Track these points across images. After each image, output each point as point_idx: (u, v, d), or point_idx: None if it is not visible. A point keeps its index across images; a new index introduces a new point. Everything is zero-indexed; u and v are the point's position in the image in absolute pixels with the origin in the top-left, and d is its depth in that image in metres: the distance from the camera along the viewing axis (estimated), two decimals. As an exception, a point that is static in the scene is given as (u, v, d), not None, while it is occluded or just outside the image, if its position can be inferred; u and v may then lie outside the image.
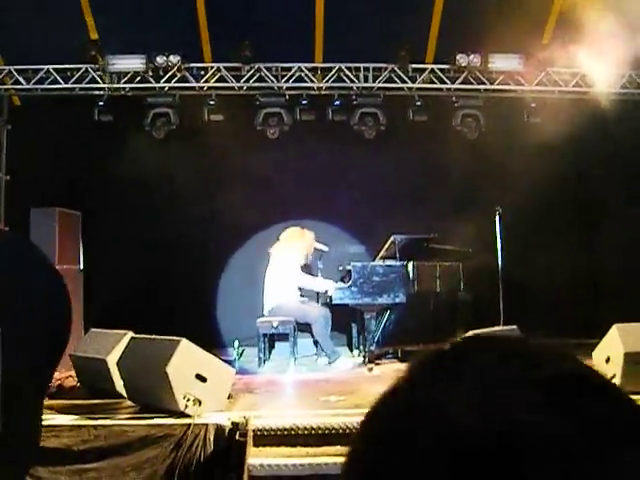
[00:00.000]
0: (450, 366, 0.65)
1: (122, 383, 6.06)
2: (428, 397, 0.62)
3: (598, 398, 0.60)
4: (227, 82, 10.65)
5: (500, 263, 8.90)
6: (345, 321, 9.54)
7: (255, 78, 10.64)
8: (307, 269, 9.35)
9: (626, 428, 0.58)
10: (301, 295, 8.92)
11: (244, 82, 10.64)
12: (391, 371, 8.15)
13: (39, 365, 0.89)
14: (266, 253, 9.07)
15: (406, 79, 10.72)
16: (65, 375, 7.65)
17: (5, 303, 0.83)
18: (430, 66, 10.77)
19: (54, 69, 10.30)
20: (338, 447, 5.09)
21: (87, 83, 10.46)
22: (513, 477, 0.54)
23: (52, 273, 0.95)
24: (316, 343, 8.84)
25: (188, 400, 5.37)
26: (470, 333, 6.36)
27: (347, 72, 10.73)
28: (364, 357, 8.54)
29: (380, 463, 0.60)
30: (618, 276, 10.66)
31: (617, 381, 5.78)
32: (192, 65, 10.55)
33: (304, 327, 8.76)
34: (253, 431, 5.16)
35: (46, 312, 0.91)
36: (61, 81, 10.37)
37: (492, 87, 10.75)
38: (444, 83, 10.80)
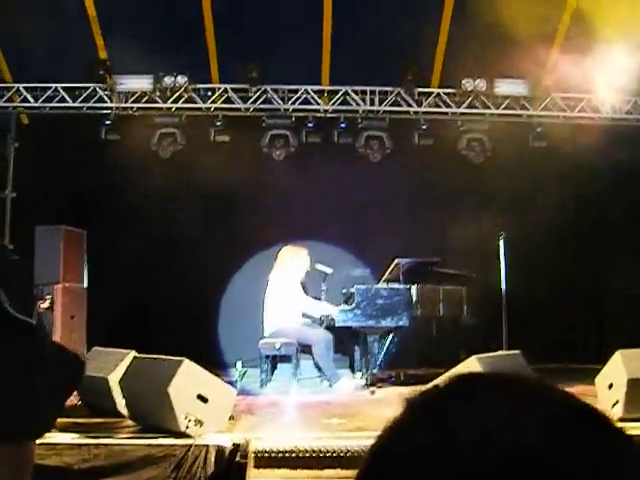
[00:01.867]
0: (448, 404, 0.66)
1: (124, 402, 6.04)
2: (436, 429, 0.63)
3: (598, 429, 0.62)
4: (234, 103, 10.72)
5: (504, 287, 8.88)
6: (348, 344, 9.51)
7: (262, 100, 10.70)
8: (305, 289, 9.34)
9: (622, 456, 0.60)
10: (303, 315, 8.90)
11: (251, 103, 10.70)
12: (393, 394, 8.11)
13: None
14: (268, 274, 9.06)
15: (412, 103, 10.77)
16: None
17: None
18: (436, 90, 10.83)
19: (62, 88, 10.38)
20: (339, 470, 5.06)
21: (95, 102, 10.54)
22: None
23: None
24: (318, 366, 8.81)
25: (189, 420, 5.35)
26: (473, 357, 6.35)
27: (353, 95, 10.79)
28: (366, 380, 8.50)
29: None
30: (622, 302, 10.64)
31: (620, 407, 5.75)
32: (199, 86, 10.63)
33: (306, 349, 8.74)
34: (254, 453, 5.13)
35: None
36: (69, 100, 10.44)
37: (497, 111, 10.79)
38: (450, 107, 10.85)
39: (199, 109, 10.75)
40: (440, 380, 0.70)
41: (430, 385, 0.70)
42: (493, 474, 0.57)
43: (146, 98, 10.53)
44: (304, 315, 8.89)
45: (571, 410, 0.64)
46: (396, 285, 8.63)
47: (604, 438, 0.62)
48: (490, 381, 0.69)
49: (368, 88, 10.77)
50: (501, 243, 8.96)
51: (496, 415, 0.61)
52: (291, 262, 8.89)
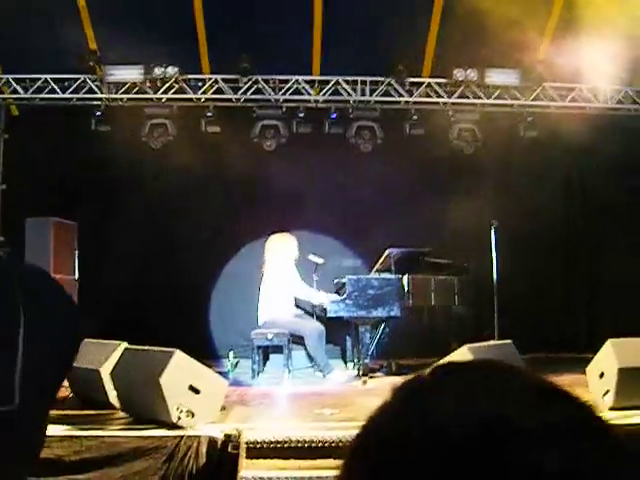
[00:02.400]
0: (429, 387, 0.69)
1: (115, 394, 6.04)
2: (415, 410, 0.65)
3: (568, 402, 0.65)
4: (224, 94, 10.68)
5: (495, 277, 8.90)
6: (340, 334, 9.53)
7: (252, 90, 10.67)
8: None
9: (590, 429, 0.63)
10: (296, 306, 8.91)
11: (241, 94, 10.67)
12: (385, 384, 8.11)
13: (52, 362, 1.00)
14: (260, 265, 9.05)
15: (403, 93, 10.76)
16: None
17: (27, 305, 0.94)
18: (427, 80, 10.81)
19: (52, 79, 10.32)
20: (332, 460, 5.07)
21: (85, 93, 10.48)
22: (498, 460, 0.58)
23: (61, 291, 1.07)
24: (310, 356, 8.83)
25: (181, 412, 5.35)
26: (465, 347, 6.37)
27: (344, 85, 10.76)
28: (358, 370, 8.52)
29: (375, 470, 0.63)
30: (614, 291, 10.68)
31: (611, 396, 5.78)
32: (190, 76, 10.58)
33: (298, 340, 8.75)
34: (246, 443, 5.13)
35: (59, 319, 1.02)
36: (59, 91, 10.39)
37: (489, 101, 10.78)
38: (441, 97, 10.83)
39: (190, 100, 10.72)
40: (424, 371, 0.71)
41: (414, 374, 0.72)
42: (467, 448, 0.58)
43: (136, 89, 10.48)
44: (297, 305, 8.90)
45: (542, 388, 0.66)
46: (387, 275, 8.64)
47: (572, 409, 0.64)
48: (468, 366, 0.71)
49: (359, 78, 10.75)
50: (492, 232, 8.97)
51: (471, 393, 0.64)
52: (281, 251, 8.89)
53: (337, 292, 8.91)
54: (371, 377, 8.31)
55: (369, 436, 0.68)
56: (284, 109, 10.82)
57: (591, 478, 0.58)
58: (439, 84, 10.79)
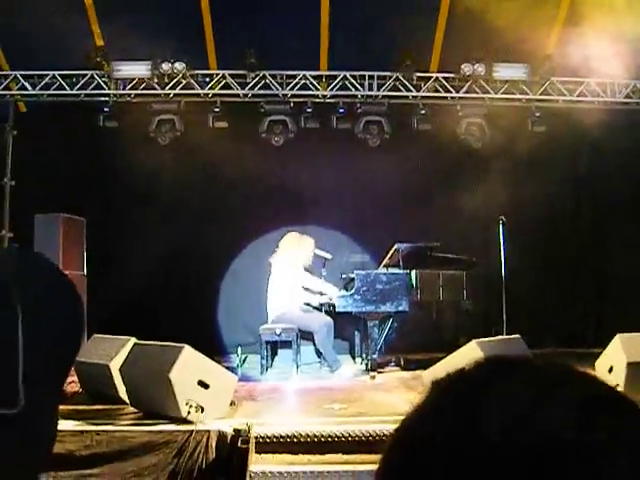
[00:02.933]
0: (477, 388, 0.66)
1: (125, 389, 6.05)
2: (459, 415, 0.63)
3: (623, 416, 0.62)
4: (232, 89, 10.68)
5: (503, 272, 8.89)
6: (348, 329, 9.54)
7: (260, 85, 10.67)
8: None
9: None
10: (305, 304, 8.91)
11: (249, 89, 10.66)
12: (394, 379, 8.14)
13: (54, 358, 0.98)
14: (267, 260, 9.06)
15: (411, 87, 10.74)
16: (68, 380, 7.63)
17: (25, 301, 0.92)
18: (435, 75, 10.79)
19: (60, 75, 10.34)
20: (340, 455, 5.09)
21: (92, 89, 10.50)
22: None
23: (67, 282, 1.05)
24: (318, 352, 8.84)
25: (190, 407, 5.37)
26: (473, 342, 6.36)
27: (352, 80, 10.75)
28: (367, 365, 8.53)
29: (417, 472, 0.62)
30: (622, 286, 10.65)
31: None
32: (197, 72, 10.58)
33: (307, 335, 8.76)
34: (255, 438, 5.14)
35: (60, 312, 1.00)
36: (67, 87, 10.41)
37: (496, 96, 10.75)
38: (449, 92, 10.81)
39: (197, 95, 10.72)
40: (467, 364, 0.69)
41: (456, 369, 0.70)
42: (520, 460, 0.57)
43: (144, 85, 10.50)
44: (305, 301, 8.90)
45: (601, 397, 0.64)
46: (396, 270, 8.64)
47: (633, 424, 0.62)
48: (517, 366, 0.68)
49: (367, 73, 10.73)
50: (500, 228, 8.96)
51: (525, 400, 0.61)
52: (297, 250, 8.90)
53: (345, 287, 8.92)
54: (379, 372, 8.32)
55: (408, 438, 0.67)
56: (292, 104, 10.81)
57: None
58: (447, 79, 10.77)
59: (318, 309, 9.07)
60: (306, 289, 8.88)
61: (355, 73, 10.73)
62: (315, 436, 5.20)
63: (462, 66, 10.33)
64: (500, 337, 7.59)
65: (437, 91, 10.86)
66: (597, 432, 0.59)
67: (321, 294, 8.90)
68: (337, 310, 8.41)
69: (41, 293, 0.97)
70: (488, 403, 0.62)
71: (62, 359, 1.00)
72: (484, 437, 0.59)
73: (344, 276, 9.20)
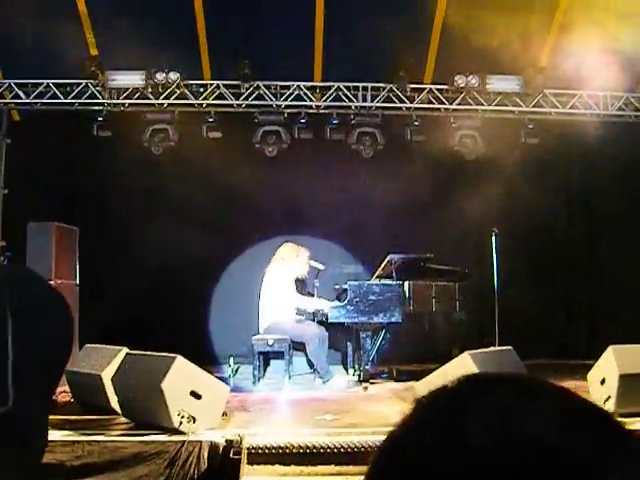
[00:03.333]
0: (460, 401, 0.66)
1: (116, 399, 6.04)
2: (447, 426, 0.63)
3: (602, 426, 0.64)
4: (226, 99, 10.70)
5: (496, 283, 8.91)
6: (341, 340, 9.53)
7: (254, 96, 10.68)
8: (302, 285, 9.35)
9: (626, 449, 0.62)
10: (297, 313, 8.90)
11: (243, 100, 10.68)
12: (386, 390, 8.14)
13: (44, 363, 0.98)
14: (261, 270, 9.06)
15: (404, 99, 10.77)
16: (59, 390, 7.62)
17: (15, 307, 0.92)
18: (428, 86, 10.82)
19: (54, 84, 10.34)
20: (333, 466, 5.08)
21: (86, 98, 10.49)
22: None
23: (51, 291, 1.05)
24: (310, 362, 8.83)
25: (182, 417, 5.36)
26: (466, 353, 6.37)
27: (345, 91, 10.78)
28: (359, 376, 8.52)
29: None
30: (615, 297, 10.67)
31: (612, 403, 5.78)
32: (191, 82, 10.59)
33: (299, 346, 8.75)
34: (247, 449, 5.13)
35: (51, 318, 1.00)
36: (60, 96, 10.40)
37: (490, 108, 10.79)
38: (442, 103, 10.84)
39: (191, 105, 10.72)
40: (449, 381, 0.69)
41: (439, 385, 0.70)
42: (505, 468, 0.57)
43: (138, 94, 10.50)
44: (297, 311, 8.89)
45: (580, 406, 0.65)
46: (388, 281, 8.64)
47: (612, 433, 0.63)
48: (498, 380, 0.69)
49: (360, 84, 10.76)
50: (493, 239, 8.98)
51: (506, 411, 0.62)
52: (292, 260, 8.91)
53: (338, 298, 8.91)
54: (372, 383, 8.32)
55: (392, 453, 0.67)
56: (285, 115, 10.83)
57: None
58: (440, 90, 10.80)
59: (311, 319, 9.06)
60: (301, 310, 8.89)
61: (349, 84, 10.76)
62: (307, 447, 5.20)
63: (455, 78, 10.36)
64: (493, 348, 7.59)
65: (431, 102, 10.89)
66: (580, 437, 0.60)
67: (314, 313, 8.91)
68: (330, 321, 8.41)
69: (31, 298, 0.97)
70: (471, 415, 0.63)
71: (52, 364, 1.00)
72: (468, 447, 0.60)
73: (337, 287, 9.20)
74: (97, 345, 7.19)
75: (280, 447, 5.20)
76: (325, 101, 10.80)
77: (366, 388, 8.08)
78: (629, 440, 0.63)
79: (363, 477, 0.67)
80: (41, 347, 0.96)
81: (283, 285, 8.73)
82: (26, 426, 0.94)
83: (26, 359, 0.91)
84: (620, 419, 0.66)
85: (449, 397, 0.68)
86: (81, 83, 10.40)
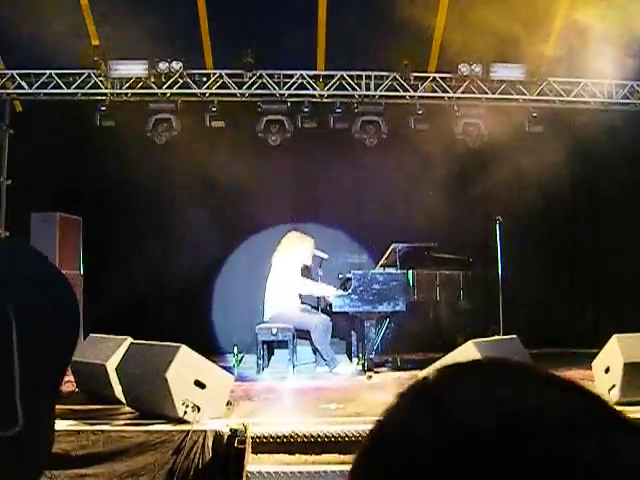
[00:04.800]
0: (447, 380, 0.68)
1: (121, 389, 6.04)
2: (428, 409, 0.64)
3: (584, 393, 0.65)
4: (229, 89, 10.68)
5: (500, 272, 8.90)
6: (345, 329, 9.53)
7: (257, 85, 10.66)
8: (307, 272, 9.34)
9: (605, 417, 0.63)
10: (302, 302, 8.90)
11: (246, 89, 10.66)
12: (390, 379, 8.14)
13: (51, 362, 0.93)
14: (266, 259, 9.05)
15: (408, 87, 10.74)
16: (64, 380, 7.63)
17: (18, 305, 0.86)
18: (432, 75, 10.80)
19: (56, 74, 10.33)
20: (337, 455, 5.08)
21: (89, 88, 10.48)
22: (530, 454, 0.57)
23: (59, 278, 0.99)
24: (315, 351, 8.83)
25: (187, 406, 5.36)
26: (470, 342, 6.36)
27: (349, 80, 10.75)
28: (363, 365, 8.53)
29: (391, 471, 0.62)
30: (620, 286, 10.66)
31: (617, 391, 5.78)
32: (194, 71, 10.57)
33: (303, 334, 8.75)
34: (252, 438, 5.14)
35: (56, 315, 0.94)
36: (63, 86, 10.39)
37: (494, 96, 10.76)
38: (446, 92, 10.82)
39: (194, 95, 10.71)
40: (429, 370, 0.71)
41: (421, 374, 0.71)
42: (496, 442, 0.58)
43: (141, 84, 10.49)
44: (302, 300, 8.89)
45: (560, 384, 0.66)
46: (392, 270, 8.63)
47: (592, 406, 0.64)
48: (478, 364, 0.70)
49: (364, 73, 10.74)
50: (497, 228, 8.96)
51: (490, 388, 0.63)
52: (297, 249, 8.90)
53: (342, 287, 8.91)
54: (376, 372, 8.31)
55: (382, 436, 0.68)
56: (289, 104, 10.80)
57: (623, 467, 0.58)
58: (444, 79, 10.78)
59: (316, 308, 9.06)
60: (306, 294, 8.89)
61: (352, 73, 10.73)
62: (312, 436, 5.20)
63: (459, 66, 10.34)
64: (497, 337, 7.59)
65: (434, 91, 10.86)
66: (556, 413, 0.61)
67: (318, 300, 8.91)
68: (334, 310, 8.41)
69: (35, 290, 0.92)
70: (450, 397, 0.64)
71: (59, 359, 0.96)
72: (447, 427, 0.61)
73: (341, 276, 9.19)
74: (101, 335, 7.20)
75: (284, 436, 5.21)
76: (329, 90, 10.77)
77: (370, 377, 8.08)
78: (607, 409, 0.64)
79: (351, 467, 0.68)
80: (49, 343, 0.91)
81: (288, 274, 8.72)
82: (35, 441, 0.90)
83: (33, 361, 0.86)
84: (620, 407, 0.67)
85: (431, 382, 0.68)
86: (84, 73, 10.39)
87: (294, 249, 8.91)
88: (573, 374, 6.80)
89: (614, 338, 6.25)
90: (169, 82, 10.45)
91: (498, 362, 0.70)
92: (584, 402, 0.63)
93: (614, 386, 5.85)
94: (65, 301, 0.98)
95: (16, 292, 0.88)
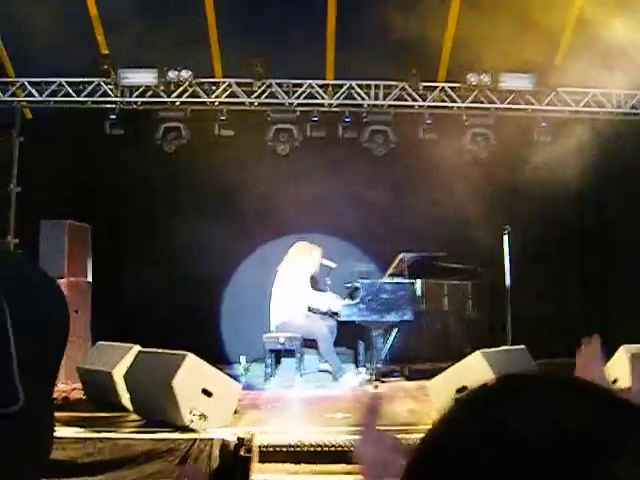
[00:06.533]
0: (496, 396, 0.69)
1: (128, 396, 6.05)
2: (486, 420, 0.65)
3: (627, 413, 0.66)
4: (238, 97, 10.70)
5: (508, 282, 8.88)
6: (352, 338, 9.52)
7: (266, 94, 10.68)
8: (314, 282, 9.34)
9: None
10: (309, 310, 8.90)
11: (255, 98, 10.68)
12: (398, 389, 8.12)
13: (44, 352, 0.96)
14: (274, 268, 9.06)
15: (417, 97, 10.74)
16: (71, 387, 7.65)
17: (11, 300, 0.88)
18: (441, 84, 10.80)
19: (66, 82, 10.37)
20: (344, 465, 5.06)
21: (99, 97, 10.52)
22: (580, 475, 0.58)
23: (47, 277, 1.03)
24: (322, 359, 8.83)
25: (194, 415, 5.36)
26: (478, 352, 6.34)
27: (358, 89, 10.77)
28: (371, 374, 8.51)
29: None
30: (627, 296, 10.62)
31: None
32: (203, 80, 10.60)
33: (310, 343, 8.75)
34: (258, 447, 5.14)
35: (46, 308, 0.98)
36: (73, 94, 10.43)
37: (502, 106, 10.75)
38: (455, 102, 10.82)
39: (203, 103, 10.73)
40: (488, 380, 0.71)
41: (479, 385, 0.72)
42: (549, 460, 0.59)
43: (150, 92, 10.52)
44: (310, 309, 8.89)
45: (612, 399, 0.66)
46: (400, 280, 8.63)
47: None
48: (536, 378, 0.71)
49: (373, 82, 10.75)
50: (505, 237, 8.95)
51: (545, 406, 0.64)
52: (305, 259, 8.91)
53: (350, 296, 8.90)
54: (383, 382, 8.31)
55: (432, 448, 0.68)
56: (298, 113, 10.82)
57: None
58: (453, 88, 10.78)
59: (322, 313, 9.04)
60: (314, 308, 8.89)
61: (361, 82, 10.75)
62: (318, 445, 5.19)
63: (468, 76, 10.34)
64: (505, 347, 7.56)
65: (443, 101, 10.86)
66: (616, 426, 0.62)
67: (329, 312, 8.90)
68: (341, 319, 8.41)
69: (24, 283, 0.95)
70: (507, 410, 0.65)
71: (52, 349, 0.98)
72: (507, 440, 0.61)
73: (349, 285, 9.19)
74: (109, 343, 7.22)
75: (291, 445, 5.20)
76: (337, 99, 10.79)
77: (377, 387, 8.06)
78: None
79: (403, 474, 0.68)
80: (41, 336, 0.94)
81: (295, 284, 8.72)
82: (35, 422, 0.92)
83: (28, 348, 0.89)
84: None
85: (488, 394, 0.69)
86: (93, 81, 10.43)
87: (302, 259, 8.92)
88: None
89: (622, 349, 6.23)
90: (179, 91, 10.48)
91: (554, 378, 0.71)
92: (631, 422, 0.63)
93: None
94: (54, 299, 1.01)
95: (7, 284, 0.90)
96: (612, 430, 0.60)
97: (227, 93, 10.72)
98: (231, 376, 6.42)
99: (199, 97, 10.67)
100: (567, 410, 0.63)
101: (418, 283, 8.52)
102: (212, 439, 5.14)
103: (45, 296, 0.98)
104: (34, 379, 0.89)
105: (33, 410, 0.88)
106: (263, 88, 10.63)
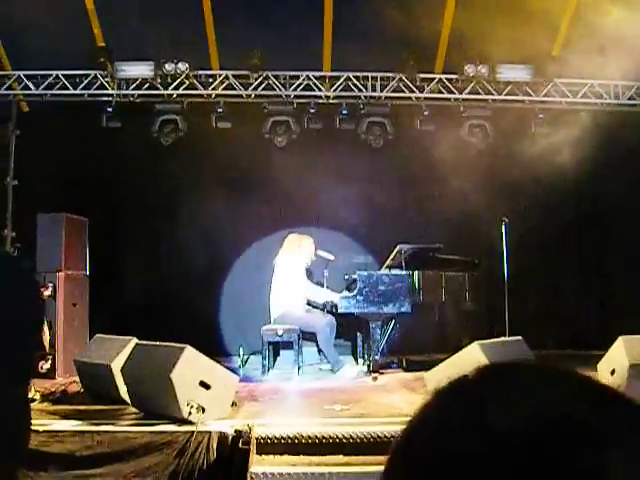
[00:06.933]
0: (485, 382, 0.70)
1: (126, 389, 6.05)
2: (466, 408, 0.65)
3: (622, 402, 0.68)
4: (235, 90, 10.68)
5: (506, 273, 8.88)
6: (350, 330, 9.53)
7: (263, 86, 10.66)
8: (311, 275, 9.34)
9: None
10: (307, 304, 8.91)
11: (252, 90, 10.66)
12: (396, 381, 8.13)
13: (17, 350, 0.94)
14: (271, 261, 9.06)
15: (414, 88, 10.73)
16: (69, 380, 7.66)
17: None
18: (438, 76, 10.78)
19: (63, 75, 10.34)
20: (342, 456, 5.07)
21: (95, 89, 10.50)
22: (563, 461, 0.58)
23: (20, 277, 1.02)
24: (320, 352, 8.83)
25: (192, 407, 5.36)
26: (475, 343, 6.35)
27: (355, 81, 10.75)
28: (369, 366, 8.52)
29: (427, 468, 0.63)
30: (625, 287, 10.64)
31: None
32: (200, 72, 10.58)
33: (309, 335, 8.75)
34: (256, 439, 5.13)
35: (18, 306, 0.97)
36: (70, 87, 10.41)
37: (500, 97, 10.74)
38: (452, 93, 10.80)
39: (200, 96, 10.71)
40: (467, 371, 0.71)
41: (458, 375, 0.72)
42: (531, 448, 0.59)
43: (147, 85, 10.49)
44: (308, 302, 8.89)
45: (589, 386, 0.67)
46: (398, 271, 8.63)
47: (622, 409, 0.66)
48: (514, 366, 0.72)
49: (370, 74, 10.73)
50: (503, 228, 8.95)
51: (522, 392, 0.64)
52: (298, 249, 8.91)
53: (347, 288, 8.91)
54: (381, 373, 8.31)
55: (413, 436, 0.68)
56: (295, 105, 10.80)
57: None
58: (450, 80, 10.76)
59: (321, 309, 9.06)
60: (310, 300, 8.89)
61: (358, 74, 10.73)
62: (316, 437, 5.19)
63: (465, 67, 10.32)
64: (502, 339, 7.57)
65: (440, 92, 10.85)
66: (586, 414, 0.62)
67: (323, 305, 8.91)
68: (339, 311, 8.41)
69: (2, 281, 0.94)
70: (487, 397, 0.65)
71: (22, 349, 0.97)
72: (486, 426, 0.61)
73: (347, 277, 9.19)
74: (107, 335, 7.21)
75: (289, 437, 5.20)
76: (334, 91, 10.77)
77: (375, 378, 8.07)
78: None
79: (384, 465, 0.68)
80: (10, 328, 0.92)
81: (292, 275, 8.73)
82: (9, 420, 0.91)
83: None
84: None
85: (469, 383, 0.68)
86: (90, 74, 10.40)
87: (295, 250, 8.92)
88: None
89: (620, 340, 6.24)
90: (175, 83, 10.46)
91: (538, 366, 0.71)
92: (625, 412, 0.63)
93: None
94: (25, 299, 1.00)
95: None
96: (601, 419, 0.61)
97: (224, 85, 10.69)
98: (229, 369, 6.42)
99: (196, 89, 10.65)
100: (547, 397, 0.63)
101: (416, 275, 8.53)
102: (210, 431, 5.13)
103: (13, 297, 0.97)
104: (7, 376, 0.88)
105: (5, 407, 0.87)
106: (260, 80, 10.61)
